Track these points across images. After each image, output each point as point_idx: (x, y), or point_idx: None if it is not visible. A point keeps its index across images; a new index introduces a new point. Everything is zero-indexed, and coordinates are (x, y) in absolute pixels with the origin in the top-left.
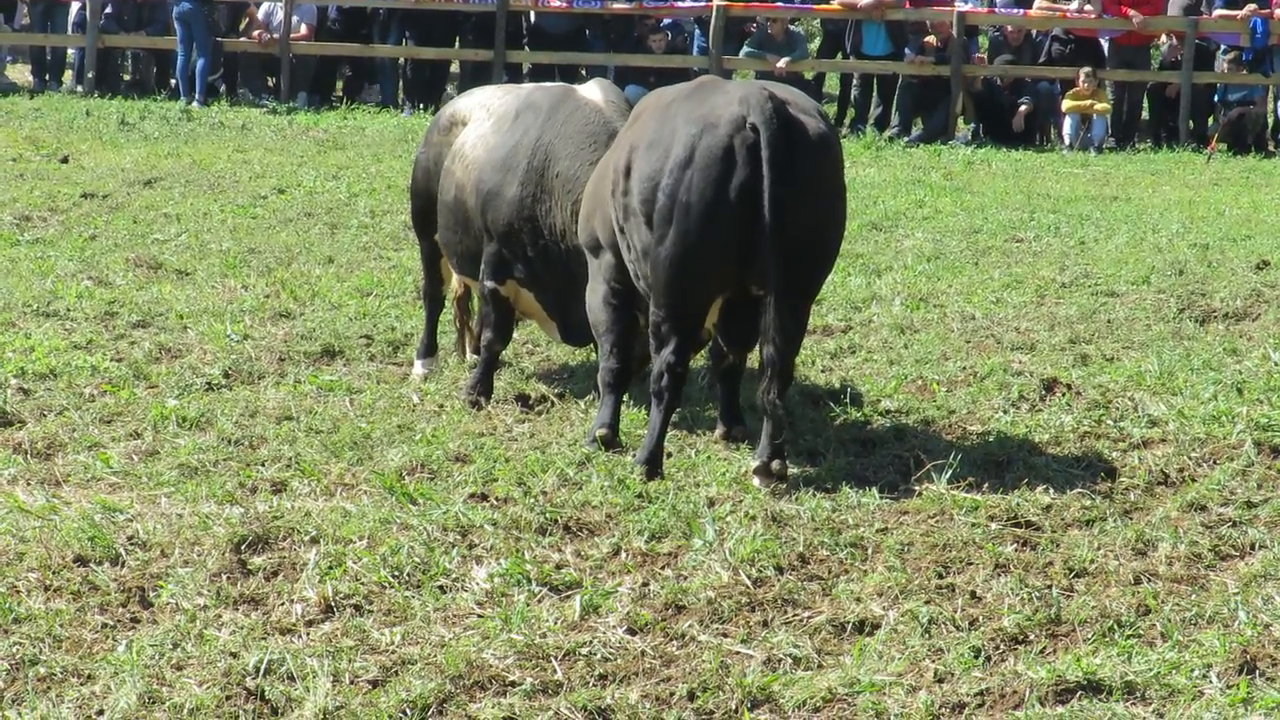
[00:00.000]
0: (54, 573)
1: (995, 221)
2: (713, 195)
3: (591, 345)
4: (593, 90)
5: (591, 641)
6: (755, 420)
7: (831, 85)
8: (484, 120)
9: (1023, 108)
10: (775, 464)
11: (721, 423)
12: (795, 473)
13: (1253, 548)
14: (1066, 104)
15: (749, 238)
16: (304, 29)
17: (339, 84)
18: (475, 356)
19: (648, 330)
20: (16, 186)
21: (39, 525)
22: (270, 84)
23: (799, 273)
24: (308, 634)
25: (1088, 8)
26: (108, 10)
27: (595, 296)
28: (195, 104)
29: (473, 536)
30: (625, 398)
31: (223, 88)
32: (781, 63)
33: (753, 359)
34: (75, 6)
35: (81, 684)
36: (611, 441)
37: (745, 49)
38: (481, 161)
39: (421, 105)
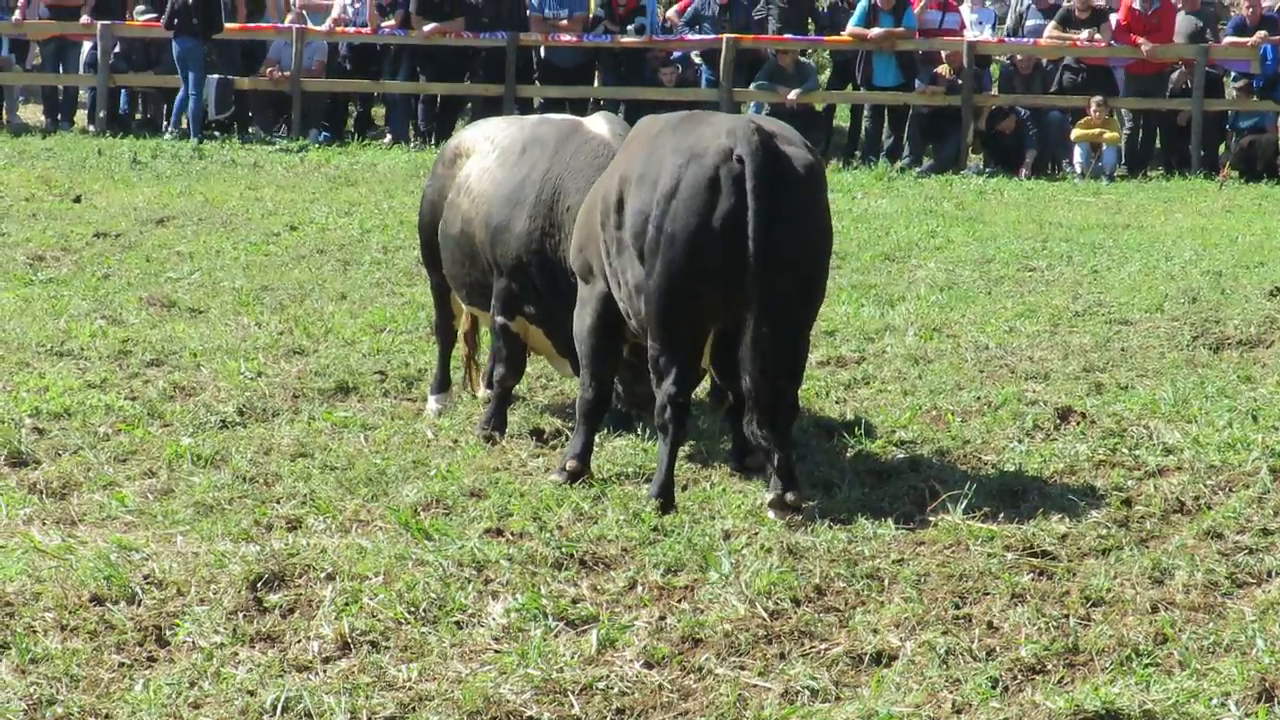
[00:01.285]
0: (70, 612)
1: (1008, 251)
2: (697, 225)
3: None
4: (599, 123)
5: (608, 676)
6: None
7: (842, 117)
8: (489, 153)
9: (1029, 158)
10: (790, 496)
11: (733, 454)
12: (810, 504)
13: (1270, 575)
14: (1076, 133)
15: (735, 268)
16: (315, 65)
17: (349, 120)
18: (488, 392)
19: (648, 365)
20: (30, 226)
21: (55, 565)
22: (283, 120)
23: (786, 304)
24: (325, 671)
25: (1098, 37)
26: (118, 50)
27: (582, 324)
28: (191, 139)
29: (489, 572)
30: (639, 429)
31: (235, 125)
32: (792, 94)
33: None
34: (87, 46)
35: None
36: (581, 474)
37: (755, 81)
38: (489, 196)
39: (433, 141)
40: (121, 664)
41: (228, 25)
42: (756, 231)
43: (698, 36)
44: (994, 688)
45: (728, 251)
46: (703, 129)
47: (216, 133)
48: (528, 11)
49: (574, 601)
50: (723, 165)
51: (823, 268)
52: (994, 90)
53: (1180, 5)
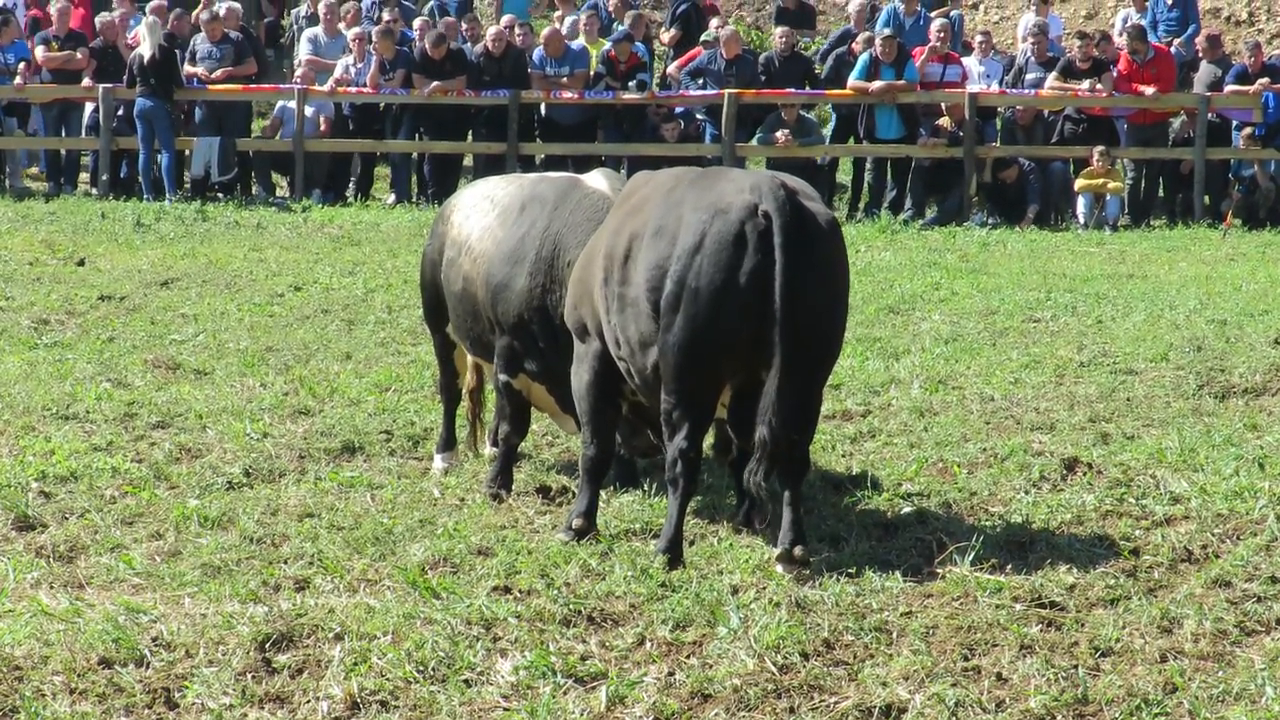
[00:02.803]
0: (79, 675)
1: (1012, 302)
2: (723, 281)
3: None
4: (598, 179)
5: None
6: (777, 506)
7: (844, 170)
8: (489, 212)
9: (1031, 212)
10: (798, 550)
11: (739, 510)
12: (818, 558)
13: (1278, 623)
14: (1080, 183)
15: (759, 324)
16: (322, 124)
17: (351, 180)
18: (494, 450)
19: (653, 419)
20: (34, 290)
21: (63, 628)
22: (285, 182)
23: (809, 359)
24: None
25: (1099, 87)
26: (120, 113)
27: (580, 382)
28: (166, 201)
29: (497, 629)
30: (646, 485)
31: (238, 187)
32: (781, 134)
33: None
34: (89, 109)
35: None
36: (587, 531)
37: (758, 135)
38: (490, 254)
39: (433, 199)
40: None
41: (229, 86)
42: (784, 287)
43: (699, 92)
44: None
45: (753, 307)
46: (723, 184)
47: (220, 194)
48: (529, 69)
49: (583, 658)
50: (749, 221)
51: (843, 324)
52: (996, 142)
53: (1201, 55)
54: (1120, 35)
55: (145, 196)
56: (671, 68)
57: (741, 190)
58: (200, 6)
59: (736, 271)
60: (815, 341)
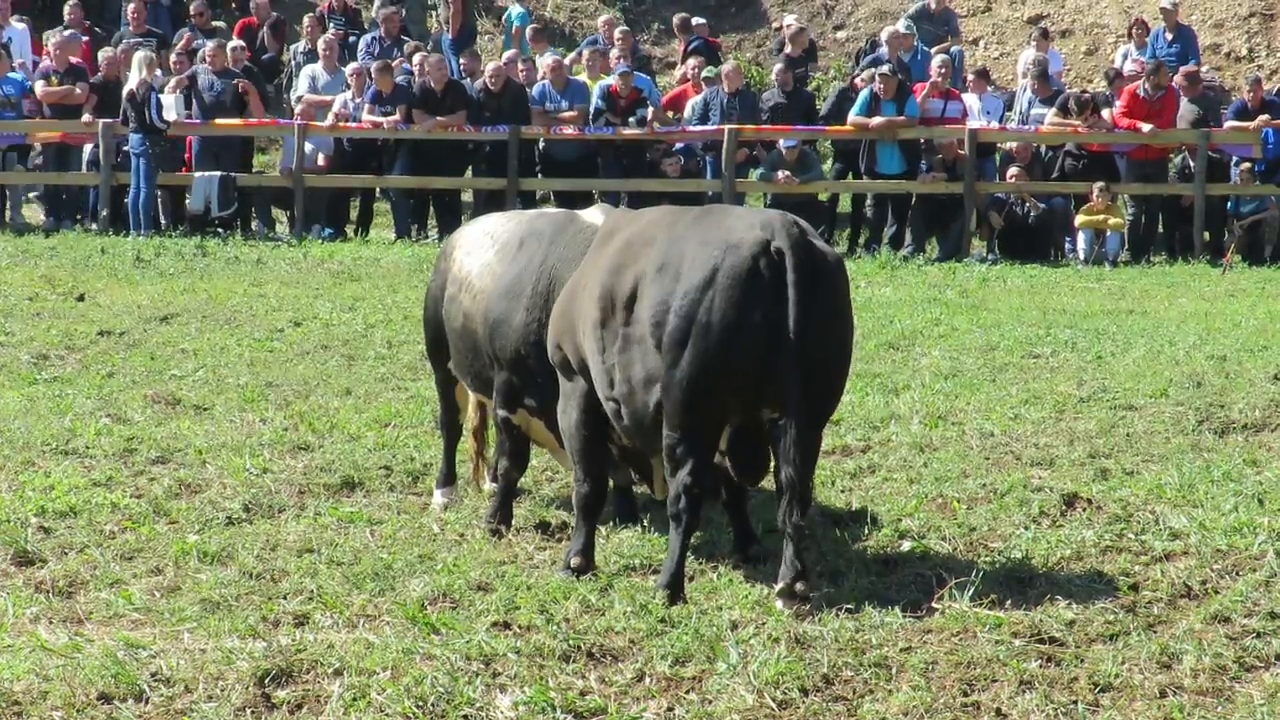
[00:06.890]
0: (78, 711)
1: (1012, 338)
2: (735, 317)
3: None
4: (595, 215)
5: None
6: (774, 541)
7: (844, 205)
8: (489, 248)
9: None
10: (799, 585)
11: (737, 545)
12: (818, 594)
13: (1277, 659)
14: (1080, 219)
15: (769, 360)
16: (321, 159)
17: (352, 215)
18: (493, 485)
19: (656, 455)
20: (33, 325)
21: (62, 663)
22: (285, 217)
23: (819, 395)
24: None
25: (1100, 120)
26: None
27: (569, 419)
28: (140, 235)
29: (496, 665)
30: (645, 521)
31: (237, 222)
32: (782, 174)
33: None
34: (89, 145)
35: None
36: (586, 569)
37: (759, 172)
38: (488, 290)
39: (428, 234)
40: None
41: (229, 121)
42: (797, 324)
43: (699, 127)
44: None
45: (764, 343)
46: (731, 220)
47: (220, 230)
48: (529, 105)
49: (582, 694)
50: (761, 257)
51: (849, 361)
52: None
53: (1182, 92)
54: (1125, 70)
55: (142, 231)
56: (666, 97)
57: (752, 226)
58: (181, 43)
59: (750, 308)
60: (823, 380)
